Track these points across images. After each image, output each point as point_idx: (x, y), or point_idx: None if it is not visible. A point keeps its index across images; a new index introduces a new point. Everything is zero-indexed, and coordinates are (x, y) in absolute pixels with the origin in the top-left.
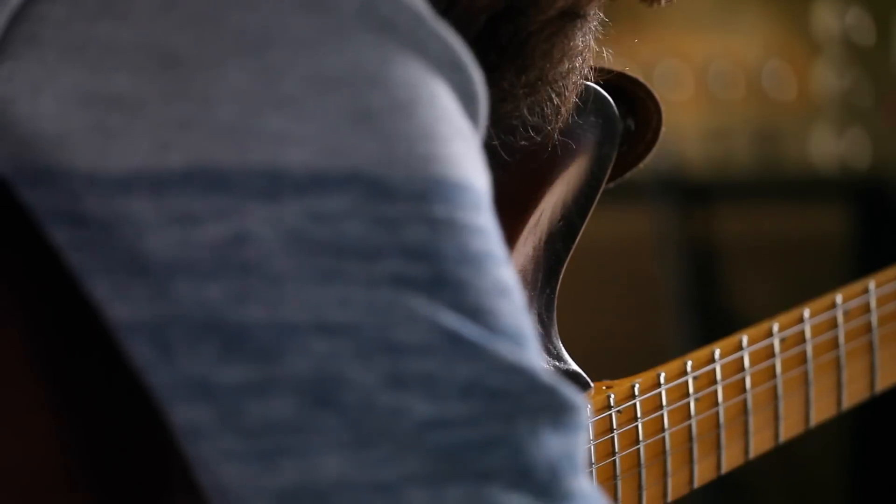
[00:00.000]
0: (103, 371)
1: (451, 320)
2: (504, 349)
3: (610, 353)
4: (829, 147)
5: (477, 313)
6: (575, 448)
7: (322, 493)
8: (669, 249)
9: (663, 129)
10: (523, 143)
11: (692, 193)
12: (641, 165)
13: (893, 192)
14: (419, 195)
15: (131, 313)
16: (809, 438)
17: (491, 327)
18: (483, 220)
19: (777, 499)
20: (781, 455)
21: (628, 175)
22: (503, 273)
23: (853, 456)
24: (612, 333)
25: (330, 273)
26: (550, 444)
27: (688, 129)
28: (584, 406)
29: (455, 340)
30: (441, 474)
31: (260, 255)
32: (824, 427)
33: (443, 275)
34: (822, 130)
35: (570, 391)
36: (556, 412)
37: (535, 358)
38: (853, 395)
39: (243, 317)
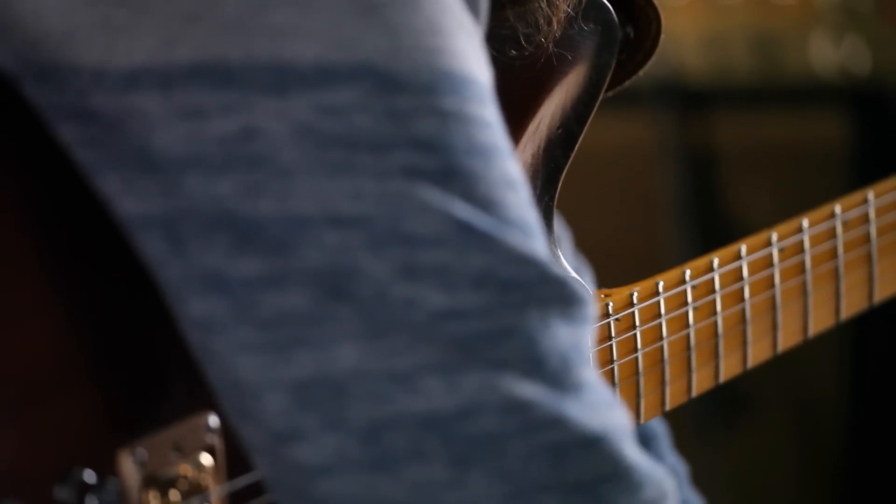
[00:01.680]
0: (107, 271)
1: (463, 211)
2: (515, 240)
3: (609, 260)
4: (828, 52)
5: (488, 204)
6: (583, 339)
7: (337, 382)
8: (668, 156)
9: (662, 36)
10: (518, 52)
11: (691, 100)
12: (641, 73)
13: (894, 97)
14: (428, 88)
15: (143, 208)
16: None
17: (501, 218)
18: (489, 113)
19: (777, 413)
20: (782, 370)
21: (627, 83)
22: (510, 166)
23: (854, 371)
24: (611, 241)
25: (341, 165)
26: (561, 335)
27: (686, 36)
28: (591, 299)
29: (467, 231)
30: (455, 364)
31: (269, 149)
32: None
33: (453, 166)
34: (821, 36)
35: (577, 284)
36: (566, 303)
37: (544, 250)
38: (852, 305)
39: (254, 210)
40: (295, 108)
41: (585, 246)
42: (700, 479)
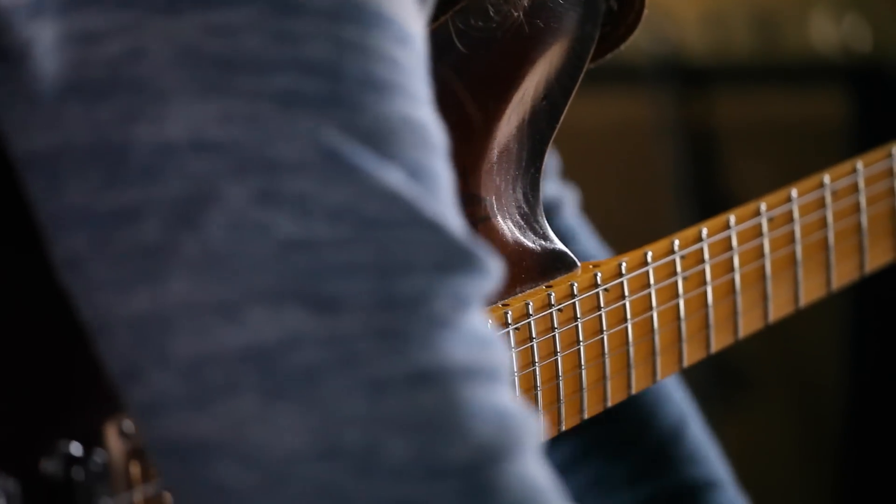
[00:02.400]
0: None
1: (334, 140)
2: (391, 178)
3: (608, 237)
4: (829, 30)
5: (370, 137)
6: (465, 289)
7: (166, 317)
8: (668, 134)
9: (646, 11)
10: (489, 23)
11: (691, 77)
12: (622, 47)
13: (894, 75)
14: (328, 13)
15: (28, 145)
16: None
17: (383, 154)
18: (403, 56)
19: (777, 392)
20: (782, 348)
21: (610, 56)
22: (419, 112)
23: (854, 350)
24: (611, 218)
25: (215, 87)
26: (424, 279)
27: (687, 13)
28: (487, 255)
29: (334, 161)
30: (287, 294)
31: (151, 70)
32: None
33: (339, 93)
34: (822, 13)
35: (465, 237)
36: (441, 251)
37: (434, 199)
38: (843, 275)
39: (129, 137)
40: (184, 28)
41: (587, 221)
42: None
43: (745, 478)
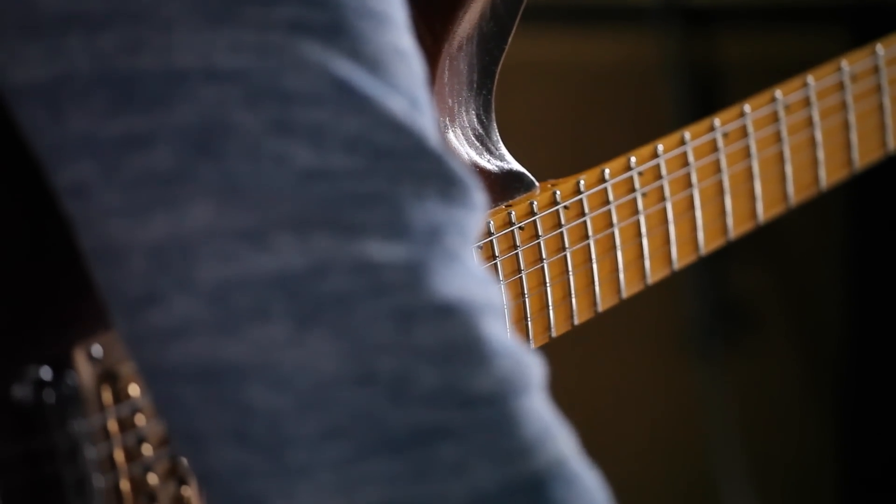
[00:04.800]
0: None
1: (345, 69)
2: (397, 107)
3: None
4: None
5: (374, 65)
6: (465, 222)
7: (188, 244)
8: (672, 74)
9: None
10: None
11: (695, 17)
12: None
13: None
14: None
15: (26, 77)
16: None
17: (386, 83)
18: None
19: (780, 332)
20: (785, 288)
21: None
22: (404, 39)
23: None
24: (614, 155)
25: (223, 16)
26: (436, 210)
27: None
28: (477, 188)
29: (346, 91)
30: (312, 222)
31: (152, 0)
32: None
33: (341, 23)
34: None
35: (462, 168)
36: (445, 182)
37: (431, 127)
38: (801, 189)
39: (134, 66)
40: None
41: (590, 161)
42: (702, 398)
43: (748, 416)
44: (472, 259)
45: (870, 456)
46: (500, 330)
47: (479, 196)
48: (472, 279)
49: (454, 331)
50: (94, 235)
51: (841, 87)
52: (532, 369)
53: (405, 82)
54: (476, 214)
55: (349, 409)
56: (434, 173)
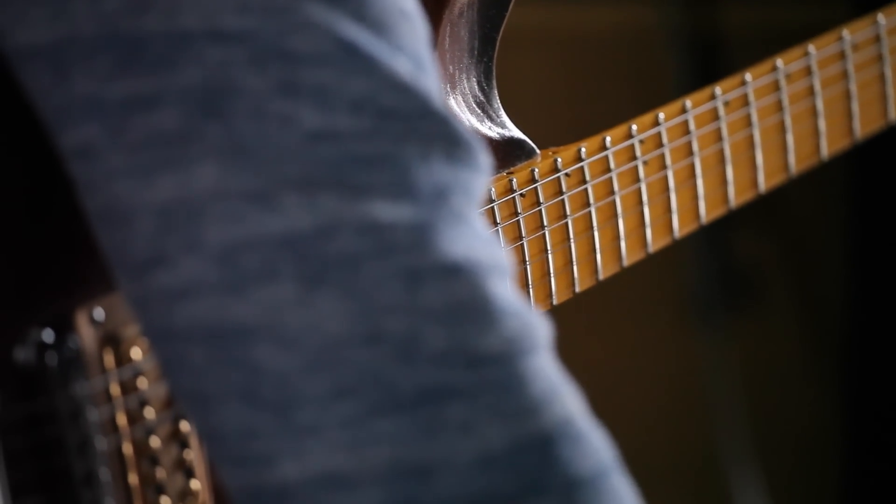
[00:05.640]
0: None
1: (350, 31)
2: (402, 68)
3: None
4: None
5: (378, 27)
6: (471, 183)
7: (195, 204)
8: (674, 40)
9: None
10: None
11: None
12: None
13: None
14: None
15: (31, 39)
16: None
17: (391, 44)
18: None
19: (783, 298)
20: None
21: None
22: (409, 3)
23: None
24: (617, 122)
25: None
26: (441, 171)
27: None
28: (482, 149)
29: (351, 52)
30: (318, 182)
31: None
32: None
33: None
34: None
35: (466, 130)
36: (450, 143)
37: (436, 88)
38: (802, 158)
39: (139, 28)
40: None
41: (591, 129)
42: (705, 366)
43: (751, 383)
44: (478, 220)
45: (873, 421)
46: (506, 290)
47: (484, 158)
48: (479, 239)
49: (461, 291)
50: (99, 197)
51: (842, 56)
52: (539, 329)
53: (410, 43)
54: (481, 176)
55: (357, 369)
56: (439, 134)
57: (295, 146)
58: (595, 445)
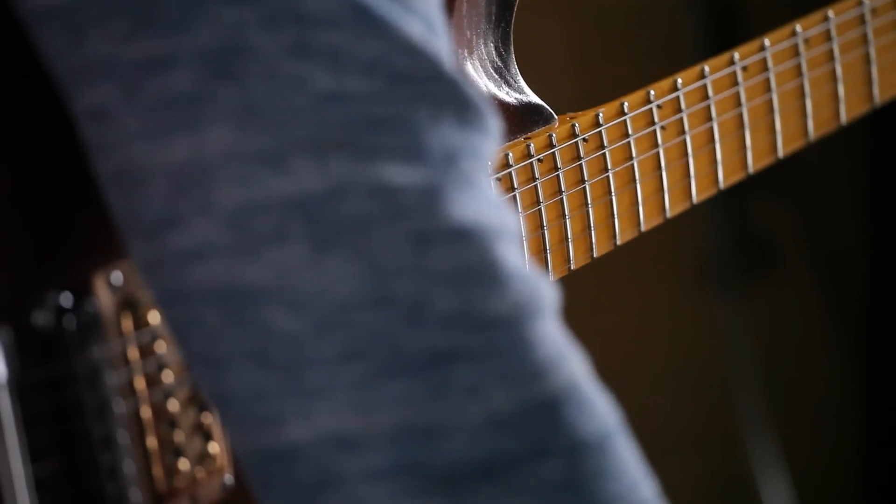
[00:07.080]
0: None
1: None
2: (414, 30)
3: None
4: None
5: None
6: (481, 147)
7: (207, 166)
8: (692, 7)
9: None
10: None
11: None
12: None
13: None
14: None
15: (47, 1)
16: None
17: (403, 5)
18: None
19: (800, 266)
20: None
21: None
22: None
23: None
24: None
25: None
26: (452, 134)
27: None
28: (493, 114)
29: (364, 14)
30: (329, 145)
31: None
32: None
33: None
34: None
35: (477, 94)
36: (460, 107)
37: (447, 52)
38: (821, 124)
39: None
40: None
41: (609, 94)
42: (722, 332)
43: (768, 350)
44: (488, 184)
45: (891, 387)
46: (514, 254)
47: (494, 122)
48: (488, 203)
49: (469, 254)
50: (113, 159)
51: (861, 20)
52: (546, 293)
53: (422, 6)
54: (491, 140)
55: (366, 332)
56: (450, 98)
57: (307, 108)
58: (600, 409)
